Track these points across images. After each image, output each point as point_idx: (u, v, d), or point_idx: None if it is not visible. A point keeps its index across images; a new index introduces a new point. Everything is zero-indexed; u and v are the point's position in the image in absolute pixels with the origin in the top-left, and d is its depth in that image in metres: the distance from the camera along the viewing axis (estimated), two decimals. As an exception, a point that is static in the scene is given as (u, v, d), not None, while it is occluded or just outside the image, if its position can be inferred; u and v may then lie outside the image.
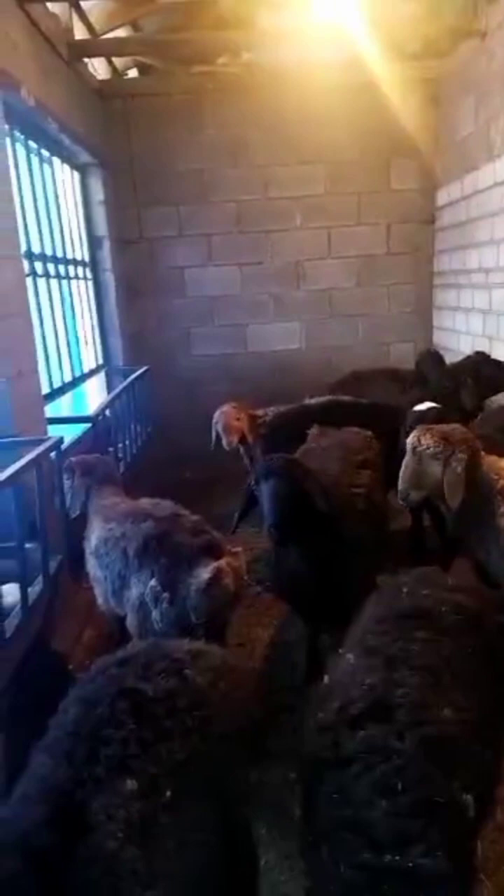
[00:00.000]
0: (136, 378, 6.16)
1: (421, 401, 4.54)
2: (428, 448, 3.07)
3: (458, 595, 2.20)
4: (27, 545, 3.00)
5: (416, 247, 7.76)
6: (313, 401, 5.31)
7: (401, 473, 3.20)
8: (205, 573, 2.60)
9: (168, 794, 1.45)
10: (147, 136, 7.38)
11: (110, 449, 4.87)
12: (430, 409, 4.28)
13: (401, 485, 3.20)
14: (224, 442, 5.33)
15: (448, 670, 1.84)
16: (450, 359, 6.57)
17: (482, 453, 3.16)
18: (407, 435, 4.19)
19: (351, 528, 3.19)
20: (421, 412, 4.25)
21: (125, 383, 5.86)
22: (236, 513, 3.32)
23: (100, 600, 3.23)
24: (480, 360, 5.37)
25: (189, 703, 1.64)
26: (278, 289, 7.83)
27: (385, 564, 3.87)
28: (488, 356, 5.41)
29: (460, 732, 1.66)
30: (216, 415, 5.44)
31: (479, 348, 6.28)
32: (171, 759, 1.51)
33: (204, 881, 1.50)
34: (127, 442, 5.54)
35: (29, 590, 3.01)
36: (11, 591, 2.97)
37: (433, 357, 6.37)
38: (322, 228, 7.68)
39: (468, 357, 5.57)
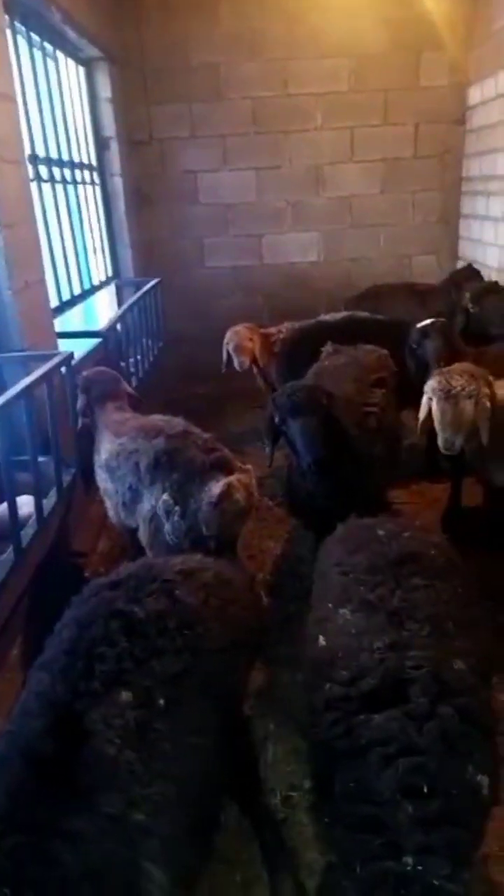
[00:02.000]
0: (147, 291, 6.07)
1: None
2: (463, 389, 3.15)
3: (434, 536, 2.17)
4: (41, 459, 3.08)
5: (445, 149, 7.38)
6: (329, 317, 5.22)
7: (438, 423, 3.21)
8: (216, 488, 2.67)
9: (161, 702, 1.57)
10: (158, 27, 6.92)
11: (122, 364, 4.87)
12: (434, 321, 4.29)
13: (444, 434, 3.20)
14: (236, 363, 5.31)
15: (449, 617, 1.79)
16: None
17: (481, 369, 3.32)
18: (412, 351, 4.23)
19: (364, 445, 3.24)
20: (427, 325, 4.25)
21: (136, 296, 5.78)
22: (267, 448, 3.34)
23: (111, 513, 3.33)
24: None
25: (179, 622, 1.73)
26: (296, 196, 7.54)
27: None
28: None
29: (472, 686, 1.59)
30: (227, 335, 5.39)
31: (505, 262, 6.10)
32: (164, 672, 1.63)
33: (201, 779, 1.62)
34: (138, 357, 5.53)
35: (44, 502, 3.13)
36: (27, 503, 3.07)
37: (466, 273, 6.20)
38: (345, 129, 7.30)
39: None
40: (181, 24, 6.92)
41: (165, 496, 2.79)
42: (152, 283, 6.37)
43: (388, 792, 1.38)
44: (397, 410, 3.92)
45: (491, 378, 3.29)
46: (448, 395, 3.17)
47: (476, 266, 6.62)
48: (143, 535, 2.99)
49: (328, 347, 4.21)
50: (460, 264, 7.45)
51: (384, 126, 7.29)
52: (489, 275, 6.30)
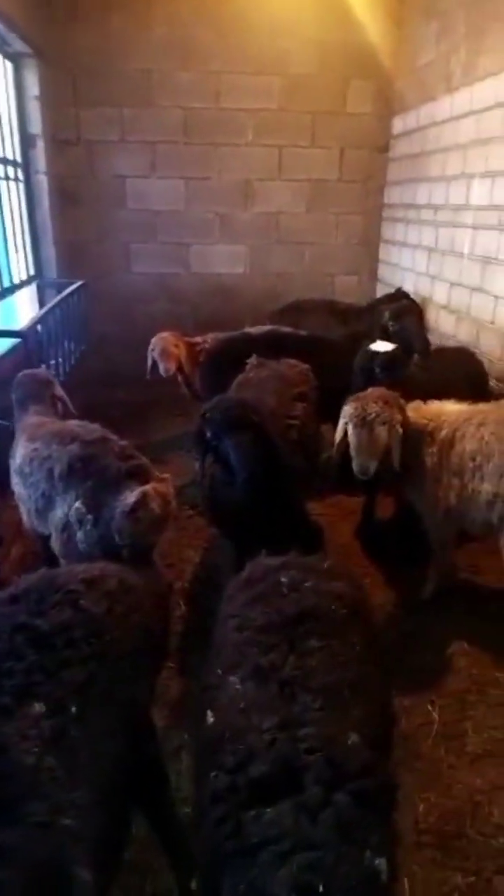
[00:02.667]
0: (71, 293, 5.91)
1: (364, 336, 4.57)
2: (377, 415, 3.21)
3: (339, 583, 2.01)
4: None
5: (368, 175, 7.62)
6: (254, 330, 5.26)
7: (353, 448, 3.25)
8: (130, 497, 2.61)
9: (74, 710, 1.56)
10: (91, 27, 6.80)
11: (42, 366, 4.72)
12: (395, 348, 4.16)
13: (359, 460, 3.24)
14: (161, 369, 5.27)
15: (347, 682, 1.66)
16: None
17: (403, 402, 3.40)
18: (364, 372, 4.20)
19: (286, 457, 3.27)
20: (388, 354, 4.09)
21: (59, 297, 5.63)
22: (197, 463, 3.31)
23: (24, 518, 3.21)
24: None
25: (84, 632, 1.73)
26: (225, 208, 7.58)
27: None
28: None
29: (368, 764, 1.47)
30: (153, 340, 5.34)
31: (422, 286, 6.36)
32: (73, 681, 1.62)
33: (116, 783, 1.63)
34: (60, 359, 5.37)
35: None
36: None
37: (401, 294, 6.37)
38: (274, 146, 7.41)
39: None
40: (113, 27, 6.83)
41: (78, 504, 2.71)
42: (76, 284, 6.22)
43: (283, 893, 1.26)
44: (317, 424, 3.98)
45: (403, 402, 3.39)
46: (363, 422, 3.22)
47: (393, 290, 6.85)
48: (55, 544, 2.89)
49: (253, 360, 4.25)
50: (379, 286, 7.72)
51: (312, 148, 7.45)
52: (406, 298, 6.52)
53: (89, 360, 6.57)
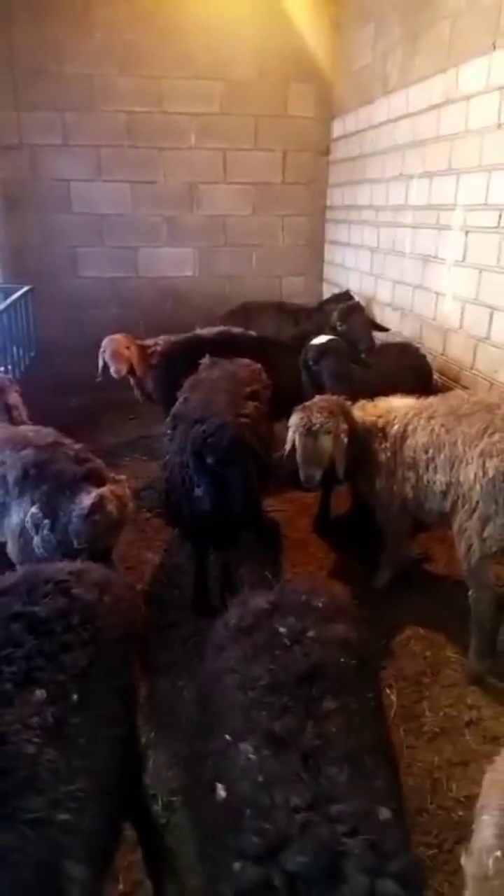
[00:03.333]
0: (17, 298, 5.82)
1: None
2: (322, 425, 3.26)
3: (340, 626, 1.85)
4: None
5: (312, 178, 7.73)
6: (205, 331, 5.28)
7: (299, 457, 3.33)
8: (87, 500, 2.61)
9: (75, 697, 1.56)
10: (30, 31, 6.70)
11: (-10, 373, 4.63)
12: (331, 340, 4.40)
13: (305, 469, 3.32)
14: (112, 370, 5.24)
15: (367, 746, 1.54)
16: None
17: (350, 407, 3.46)
18: (308, 367, 4.32)
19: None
20: (324, 344, 4.35)
21: (6, 303, 5.53)
22: (198, 490, 3.17)
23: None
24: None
25: (81, 617, 1.74)
26: (172, 211, 7.57)
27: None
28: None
29: (402, 840, 1.37)
30: (104, 342, 5.31)
31: (366, 285, 6.49)
32: (73, 666, 1.62)
33: (114, 770, 1.64)
34: (8, 366, 5.28)
35: None
36: None
37: (341, 296, 6.49)
38: (218, 150, 7.45)
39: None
40: (53, 30, 6.74)
41: (34, 509, 2.69)
42: (24, 290, 6.12)
43: None
44: (270, 422, 4.03)
45: (349, 407, 3.46)
46: (308, 432, 3.29)
47: (338, 289, 6.99)
48: (11, 550, 2.85)
49: (206, 360, 4.26)
50: (325, 286, 7.83)
51: (255, 151, 7.52)
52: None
53: (39, 366, 6.47)
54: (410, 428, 3.27)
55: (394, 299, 5.83)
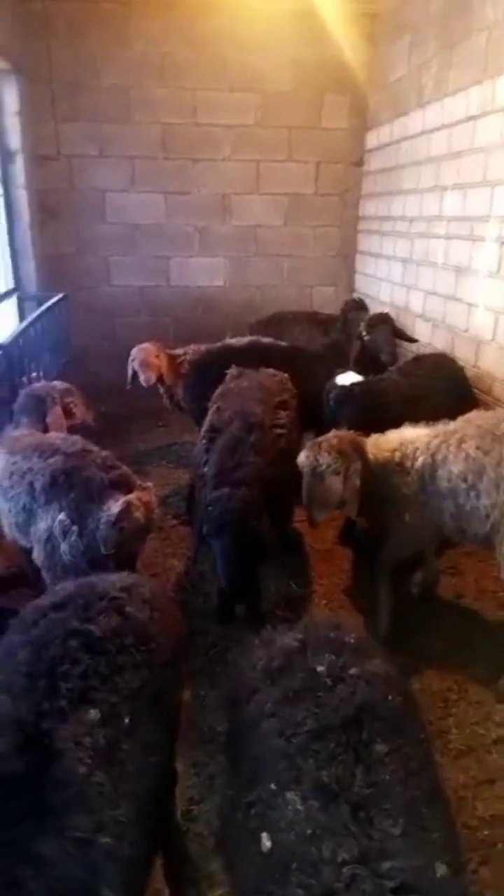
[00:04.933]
0: (51, 305, 5.92)
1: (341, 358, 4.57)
2: (329, 466, 3.10)
3: (378, 661, 1.75)
4: None
5: (345, 188, 7.72)
6: (235, 341, 5.31)
7: (305, 498, 3.19)
8: (115, 507, 2.63)
9: (127, 720, 1.54)
10: (69, 44, 6.85)
11: (23, 379, 4.72)
12: (354, 384, 4.18)
13: (312, 510, 3.19)
14: (142, 379, 5.28)
15: (423, 795, 1.45)
16: (370, 307, 6.73)
17: (364, 443, 3.26)
18: (329, 403, 4.16)
19: (275, 465, 3.33)
20: (346, 388, 4.13)
21: (40, 310, 5.63)
22: (196, 538, 3.27)
23: (6, 531, 3.21)
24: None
25: (135, 638, 1.72)
26: (204, 221, 7.64)
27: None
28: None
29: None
30: (134, 351, 5.36)
31: (398, 297, 6.46)
32: (127, 688, 1.60)
33: (154, 800, 1.61)
34: (41, 373, 5.36)
35: None
36: None
37: (357, 304, 6.49)
38: (251, 161, 7.49)
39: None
40: (92, 44, 6.88)
41: (62, 515, 2.72)
42: (57, 297, 6.22)
43: None
44: (299, 432, 4.02)
45: (363, 444, 3.24)
46: (314, 472, 3.12)
47: (370, 300, 6.97)
48: (38, 556, 2.88)
49: (232, 371, 4.29)
50: (357, 296, 7.81)
51: (288, 162, 7.55)
52: (381, 308, 6.63)
53: (71, 372, 6.55)
54: (440, 458, 3.09)
55: (425, 310, 5.79)
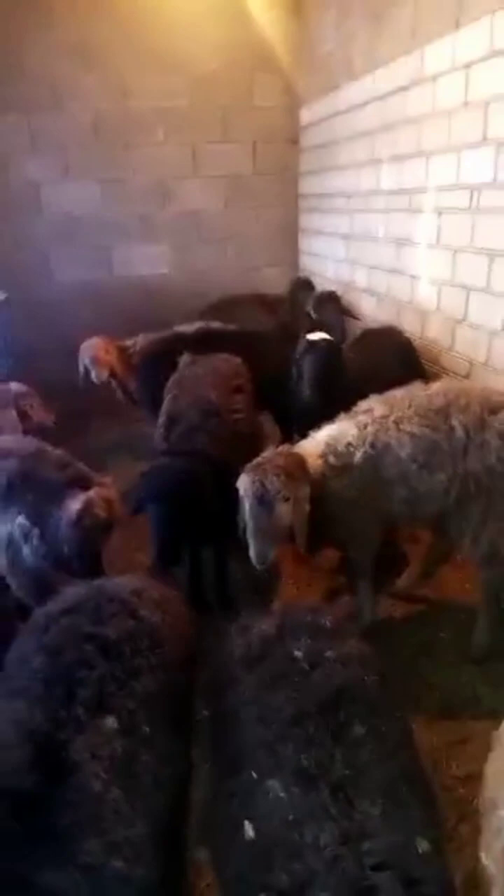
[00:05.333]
0: (-8, 306, 5.76)
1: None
2: (279, 492, 2.65)
3: (354, 642, 1.76)
4: None
5: (283, 167, 7.68)
6: (184, 328, 5.27)
7: (250, 531, 2.70)
8: (74, 505, 2.61)
9: (146, 729, 1.50)
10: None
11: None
12: (322, 338, 4.06)
13: (257, 545, 2.68)
14: (93, 375, 5.20)
15: (401, 773, 1.47)
16: (317, 284, 6.75)
17: (306, 460, 2.88)
18: (297, 363, 4.09)
19: (235, 449, 3.31)
20: (313, 340, 4.02)
21: (-19, 312, 5.47)
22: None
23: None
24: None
25: (150, 641, 1.70)
26: (143, 209, 7.51)
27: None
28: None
29: (440, 874, 1.34)
30: (82, 348, 5.27)
31: (343, 273, 6.49)
32: (144, 692, 1.56)
33: (171, 814, 1.55)
34: (-12, 375, 5.23)
35: None
36: None
37: (303, 283, 6.52)
38: (186, 144, 7.39)
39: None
40: (12, 27, 6.64)
41: (21, 518, 2.68)
42: (-2, 298, 6.06)
43: None
44: (255, 415, 4.05)
45: (307, 463, 2.84)
46: (262, 500, 2.66)
47: (316, 277, 6.99)
48: (0, 562, 2.84)
49: (185, 358, 4.26)
50: (302, 275, 7.82)
51: (224, 143, 7.47)
52: (328, 285, 6.66)
53: (19, 374, 6.41)
54: (381, 446, 2.88)
55: (370, 284, 5.84)
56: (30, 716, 1.43)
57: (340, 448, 2.90)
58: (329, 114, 6.47)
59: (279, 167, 7.68)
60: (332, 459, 2.90)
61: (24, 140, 7.02)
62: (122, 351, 5.34)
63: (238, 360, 4.19)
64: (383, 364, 4.29)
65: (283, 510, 2.67)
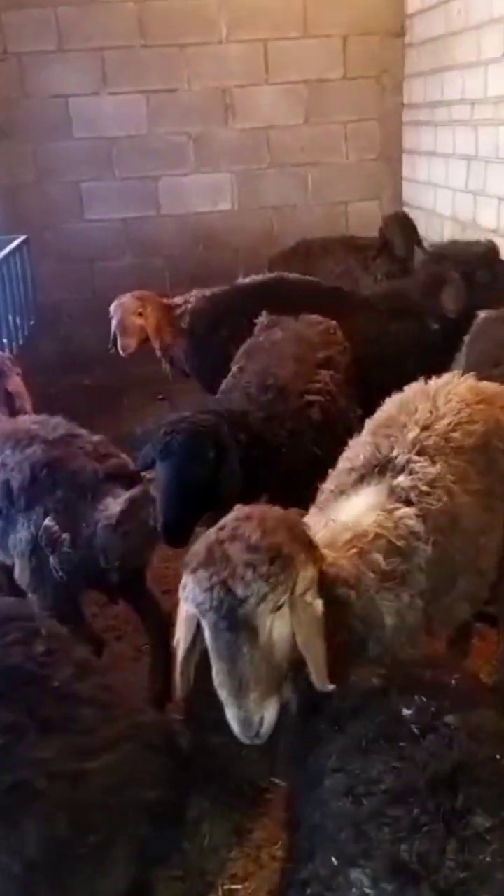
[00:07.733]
0: (9, 253, 5.94)
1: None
2: (264, 597, 1.78)
3: (485, 709, 1.72)
4: None
5: (382, 69, 7.59)
6: (249, 280, 5.28)
7: (216, 677, 1.82)
8: (115, 505, 2.65)
9: None
10: None
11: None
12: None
13: (233, 700, 1.77)
14: (119, 345, 5.24)
15: None
16: (424, 223, 6.63)
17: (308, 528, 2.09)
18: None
19: (300, 449, 3.31)
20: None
21: (-5, 260, 5.65)
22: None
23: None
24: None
25: None
26: (199, 127, 7.58)
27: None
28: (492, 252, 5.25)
29: None
30: (112, 307, 5.32)
31: (462, 208, 6.36)
32: None
33: None
34: (4, 339, 5.40)
35: None
36: None
37: (401, 222, 6.40)
38: (256, 41, 7.39)
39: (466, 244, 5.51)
40: None
41: (48, 521, 2.74)
42: (16, 242, 6.24)
43: None
44: (351, 398, 3.89)
45: (314, 539, 2.02)
46: (233, 619, 1.78)
47: (424, 214, 6.87)
48: (21, 575, 2.91)
49: (263, 318, 4.24)
50: (407, 211, 7.71)
51: (304, 39, 7.43)
52: (442, 224, 6.54)
53: (41, 336, 6.59)
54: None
55: (500, 224, 5.70)
56: None
57: (383, 518, 2.25)
58: (447, -4, 6.35)
59: (377, 69, 7.59)
60: (373, 537, 2.19)
61: (49, 39, 7.17)
62: (169, 311, 5.37)
63: (332, 323, 4.14)
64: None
65: (282, 625, 1.87)
